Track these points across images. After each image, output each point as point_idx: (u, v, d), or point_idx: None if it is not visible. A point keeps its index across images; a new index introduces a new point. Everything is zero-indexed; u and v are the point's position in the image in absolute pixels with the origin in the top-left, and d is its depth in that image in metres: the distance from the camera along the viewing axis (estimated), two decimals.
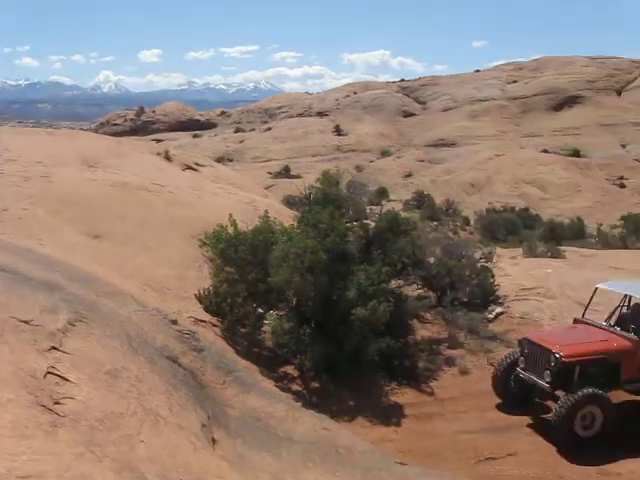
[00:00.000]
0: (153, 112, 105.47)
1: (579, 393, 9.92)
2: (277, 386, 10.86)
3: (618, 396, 10.87)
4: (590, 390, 9.97)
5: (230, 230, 12.58)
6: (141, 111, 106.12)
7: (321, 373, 11.45)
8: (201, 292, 11.89)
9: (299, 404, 10.45)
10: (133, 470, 4.94)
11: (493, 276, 15.22)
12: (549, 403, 10.81)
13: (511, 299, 15.15)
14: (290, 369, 11.56)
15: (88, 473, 4.40)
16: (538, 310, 14.71)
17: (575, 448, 9.91)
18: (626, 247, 28.41)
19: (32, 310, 6.80)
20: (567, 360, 10.19)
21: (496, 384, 11.44)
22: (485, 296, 14.78)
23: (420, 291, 14.79)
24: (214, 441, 7.33)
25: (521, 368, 10.96)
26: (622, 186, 61.56)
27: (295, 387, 11.20)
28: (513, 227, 42.94)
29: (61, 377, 5.85)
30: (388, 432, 10.66)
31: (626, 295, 11.63)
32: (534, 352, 10.75)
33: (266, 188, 39.98)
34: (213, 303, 11.73)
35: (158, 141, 66.56)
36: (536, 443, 10.38)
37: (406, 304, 13.27)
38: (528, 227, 44.04)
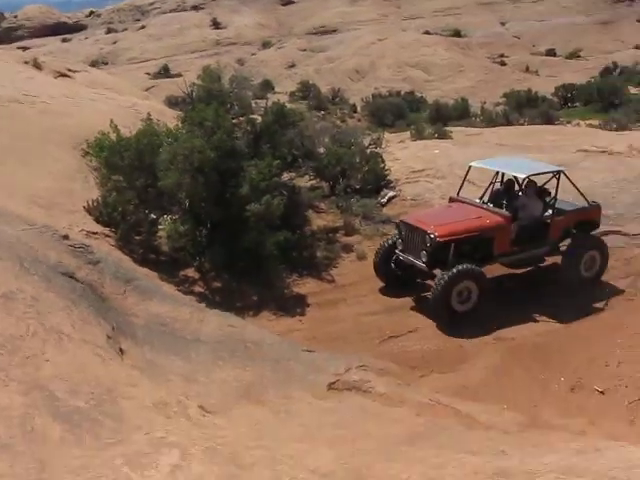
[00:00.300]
0: (15, 17, 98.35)
1: (454, 269, 10.32)
2: (179, 290, 10.83)
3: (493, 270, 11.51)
4: (464, 266, 10.39)
5: (113, 136, 12.13)
6: (1, 17, 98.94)
7: (221, 272, 11.47)
8: (90, 204, 11.53)
9: (203, 305, 10.49)
10: (42, 389, 4.90)
11: (383, 161, 15.39)
12: (430, 282, 11.21)
13: (402, 182, 15.40)
14: (190, 272, 11.51)
15: None
16: (429, 191, 15.07)
17: (454, 322, 10.45)
18: (509, 123, 29.29)
19: None
20: (442, 240, 10.52)
21: (377, 268, 11.71)
22: (377, 181, 14.98)
23: (313, 182, 14.84)
24: (122, 351, 7.31)
25: (400, 250, 11.26)
26: (503, 64, 62.88)
27: (197, 289, 11.20)
28: (400, 111, 43.32)
29: None
30: (293, 322, 10.90)
31: (498, 172, 12.02)
32: (411, 234, 11.05)
33: (146, 90, 38.71)
34: (104, 214, 11.41)
35: (24, 49, 62.69)
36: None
37: (300, 196, 13.32)
38: (414, 110, 44.65)
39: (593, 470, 4.91)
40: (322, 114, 40.68)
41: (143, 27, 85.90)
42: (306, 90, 54.26)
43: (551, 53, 66.70)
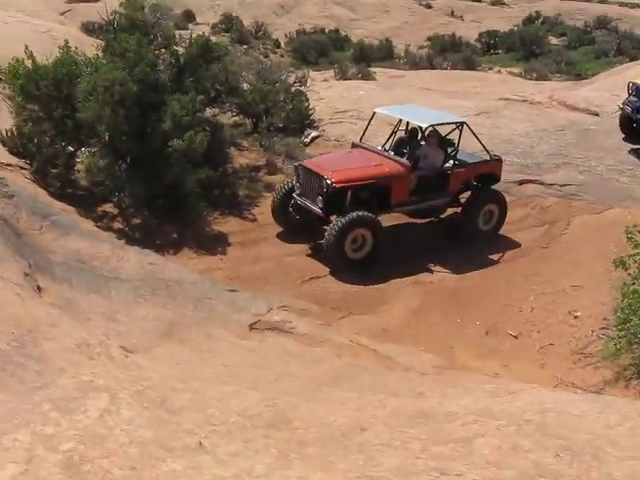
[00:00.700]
0: None
1: (347, 216, 10.21)
2: (98, 226, 10.57)
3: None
4: (358, 213, 10.27)
5: (28, 64, 11.54)
6: None
7: (142, 209, 11.23)
8: (4, 134, 11.04)
9: (122, 242, 10.31)
10: None
11: (307, 100, 15.27)
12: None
13: (326, 122, 15.35)
14: (109, 207, 11.25)
15: None
16: (352, 132, 15.00)
17: (349, 270, 10.43)
18: (433, 67, 29.42)
19: None
20: (338, 186, 10.38)
21: (274, 211, 11.53)
22: (301, 121, 14.86)
23: (235, 118, 14.61)
24: (40, 289, 7.15)
25: (297, 194, 11.09)
26: (428, 7, 62.44)
27: (116, 225, 10.98)
28: (324, 49, 42.76)
29: None
30: (215, 261, 10.83)
31: (401, 119, 11.92)
32: (308, 178, 10.89)
33: (61, 14, 36.88)
34: (18, 145, 10.96)
35: None
36: None
37: (222, 132, 13.11)
38: (338, 49, 44.15)
39: (509, 412, 5.12)
40: (245, 48, 39.66)
41: None
42: (229, 22, 52.73)
43: None
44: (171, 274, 9.55)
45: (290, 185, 11.32)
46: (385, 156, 11.29)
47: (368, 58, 36.36)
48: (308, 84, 16.41)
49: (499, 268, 10.91)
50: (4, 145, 11.00)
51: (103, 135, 10.88)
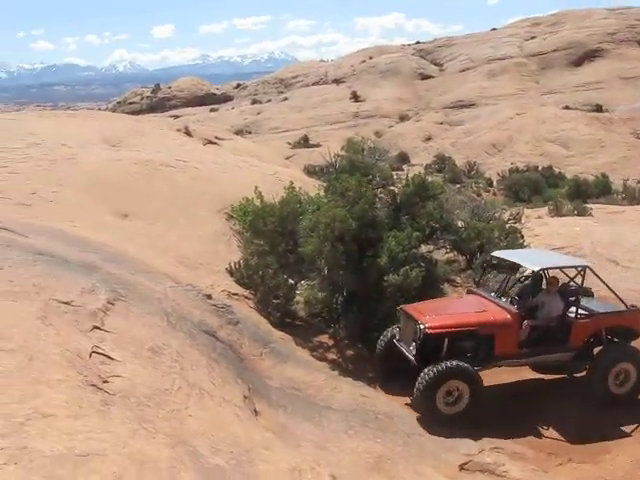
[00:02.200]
0: (169, 88, 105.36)
1: (438, 365, 9.24)
2: (313, 355, 10.90)
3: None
4: (452, 362, 9.28)
5: (257, 202, 12.60)
6: (157, 88, 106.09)
7: (356, 341, 11.47)
8: (232, 265, 11.93)
9: (336, 372, 10.52)
10: (186, 444, 5.02)
11: (522, 237, 15.08)
12: None
13: None
14: (324, 338, 11.59)
15: (144, 449, 4.48)
16: (569, 270, 14.59)
17: (440, 425, 9.28)
18: None
19: (72, 291, 6.88)
20: (431, 332, 9.53)
21: (376, 355, 10.72)
22: None
23: (450, 255, 14.71)
24: (256, 412, 7.44)
25: (397, 340, 10.34)
26: None
27: (331, 356, 11.23)
28: (537, 186, 42.47)
29: (106, 356, 5.94)
30: None
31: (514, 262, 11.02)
32: (406, 322, 10.14)
33: (286, 158, 39.89)
34: (245, 276, 11.77)
35: (176, 117, 66.61)
36: None
37: (437, 269, 13.20)
38: (552, 186, 43.61)
39: None
40: (457, 187, 40.52)
41: (286, 99, 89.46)
42: (442, 163, 54.29)
43: None
44: (382, 407, 9.58)
45: (394, 331, 10.57)
46: (495, 302, 10.27)
47: (584, 194, 35.55)
48: (522, 221, 16.26)
49: None
50: (232, 275, 11.86)
51: (322, 269, 11.42)
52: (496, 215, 15.81)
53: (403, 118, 76.42)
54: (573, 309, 10.25)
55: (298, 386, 9.39)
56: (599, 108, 67.38)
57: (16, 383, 4.62)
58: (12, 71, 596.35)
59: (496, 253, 11.51)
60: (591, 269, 10.41)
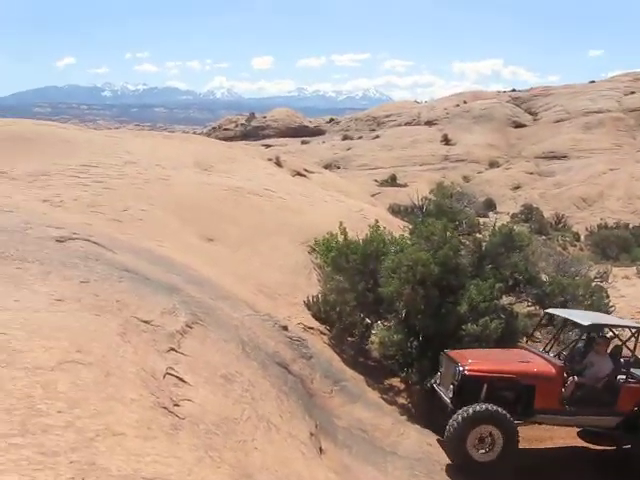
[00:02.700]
0: (264, 118, 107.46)
1: (472, 407, 8.90)
2: (383, 398, 10.75)
3: None
4: (485, 405, 8.94)
5: (340, 238, 12.60)
6: (252, 117, 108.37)
7: (427, 387, 11.26)
8: (310, 299, 11.95)
9: (404, 417, 10.35)
10: (250, 477, 4.97)
11: (608, 296, 14.59)
12: None
13: None
14: (396, 381, 11.42)
15: (209, 478, 4.45)
16: None
17: (472, 471, 8.90)
18: None
19: (153, 311, 6.97)
20: (469, 374, 9.24)
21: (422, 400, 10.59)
22: None
23: (531, 308, 14.32)
24: (321, 451, 7.34)
25: (437, 384, 10.12)
26: None
27: (401, 400, 11.04)
28: (626, 245, 41.18)
29: (179, 379, 5.95)
30: None
31: (568, 321, 10.88)
32: (447, 366, 9.89)
33: (372, 196, 39.97)
34: (322, 311, 11.76)
35: (267, 146, 67.76)
36: None
37: (517, 322, 12.87)
38: None
39: None
40: (543, 239, 39.65)
41: (377, 137, 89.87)
42: (529, 213, 53.34)
43: None
44: (447, 458, 9.32)
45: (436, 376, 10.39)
46: (541, 356, 9.98)
47: None
48: (609, 280, 15.74)
49: None
50: (309, 309, 11.87)
51: (400, 311, 11.31)
52: (582, 272, 15.35)
53: (493, 165, 75.63)
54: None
55: (365, 428, 9.26)
56: None
57: (91, 397, 4.66)
58: (116, 90, 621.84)
59: (549, 310, 11.29)
60: None
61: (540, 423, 9.95)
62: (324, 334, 11.50)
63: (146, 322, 6.66)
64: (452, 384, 9.42)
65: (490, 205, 55.94)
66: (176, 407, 5.39)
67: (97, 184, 13.32)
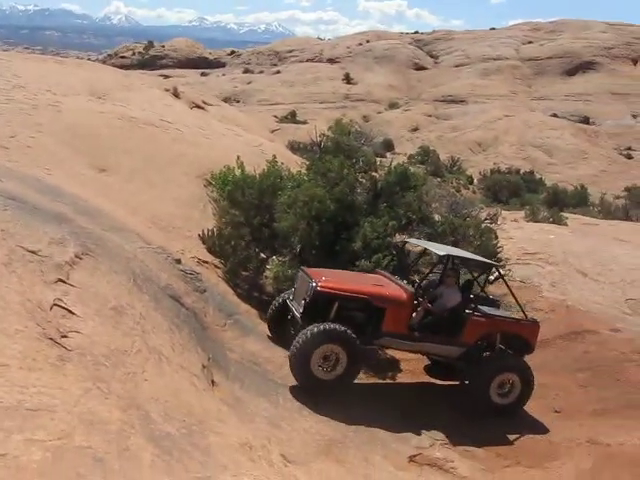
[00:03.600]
0: (162, 47, 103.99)
1: (318, 326, 8.89)
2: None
3: None
4: (331, 324, 8.95)
5: (237, 172, 12.48)
6: (150, 45, 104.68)
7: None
8: (205, 232, 11.83)
9: None
10: (139, 408, 4.96)
11: (496, 238, 15.13)
12: None
13: (512, 262, 15.10)
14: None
15: (95, 409, 4.41)
16: (539, 275, 14.73)
17: (316, 391, 8.97)
18: (628, 219, 28.35)
19: (40, 241, 6.74)
20: (321, 290, 9.20)
21: (269, 314, 10.51)
22: (487, 257, 14.68)
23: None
24: (214, 383, 7.38)
25: (290, 300, 10.09)
26: (629, 157, 61.27)
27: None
28: (516, 189, 42.84)
29: (67, 310, 5.83)
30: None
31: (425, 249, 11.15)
32: (301, 282, 9.81)
33: (271, 132, 39.65)
34: (216, 244, 11.68)
35: (166, 77, 65.64)
36: None
37: (408, 259, 13.21)
38: (531, 191, 43.97)
39: None
40: (438, 181, 40.60)
41: (278, 72, 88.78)
42: (425, 155, 54.31)
43: None
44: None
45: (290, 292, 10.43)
46: (395, 282, 10.03)
47: (561, 203, 35.87)
48: (499, 222, 16.31)
49: None
50: (204, 243, 11.76)
51: (295, 246, 11.37)
52: (473, 213, 15.83)
53: (392, 106, 76.32)
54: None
55: (257, 361, 9.35)
56: (586, 120, 68.03)
57: None
58: (4, 9, 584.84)
59: (409, 239, 11.44)
60: (499, 271, 10.61)
61: (387, 347, 10.18)
62: (218, 268, 11.45)
63: (33, 252, 6.44)
64: (304, 299, 9.37)
65: (388, 146, 56.61)
66: (64, 339, 5.29)
67: None
